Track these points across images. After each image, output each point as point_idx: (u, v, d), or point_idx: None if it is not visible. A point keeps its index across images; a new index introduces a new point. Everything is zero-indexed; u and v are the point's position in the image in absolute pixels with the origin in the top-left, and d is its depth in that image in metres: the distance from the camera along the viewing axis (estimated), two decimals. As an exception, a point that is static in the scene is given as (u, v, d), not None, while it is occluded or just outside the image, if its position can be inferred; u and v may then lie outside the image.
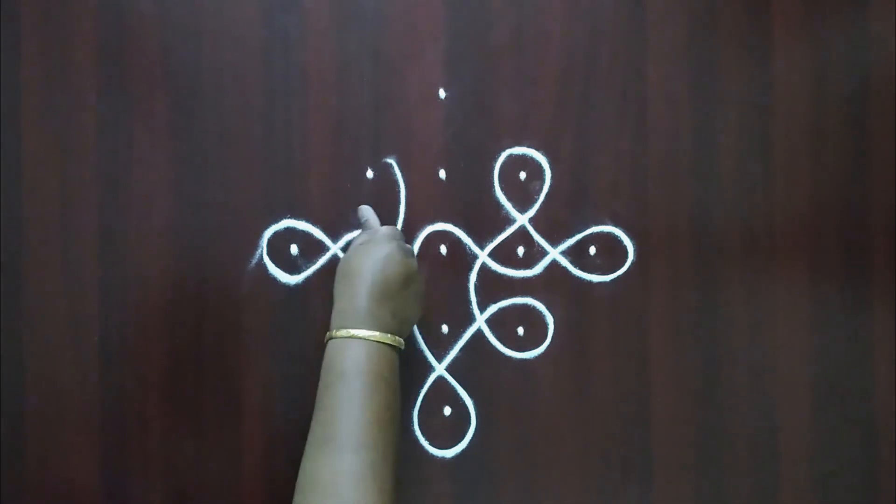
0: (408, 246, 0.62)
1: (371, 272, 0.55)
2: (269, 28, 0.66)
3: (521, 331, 0.67)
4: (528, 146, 0.68)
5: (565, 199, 0.67)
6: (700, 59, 0.68)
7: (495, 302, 0.67)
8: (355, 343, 0.52)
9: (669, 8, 0.68)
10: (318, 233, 0.66)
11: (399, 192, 0.67)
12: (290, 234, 0.66)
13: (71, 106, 0.65)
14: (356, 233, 0.66)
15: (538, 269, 0.68)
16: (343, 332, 0.53)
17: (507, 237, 0.68)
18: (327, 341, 0.54)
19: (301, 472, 0.50)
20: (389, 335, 0.54)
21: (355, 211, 0.66)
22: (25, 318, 0.65)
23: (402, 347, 0.55)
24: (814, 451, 0.68)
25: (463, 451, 0.67)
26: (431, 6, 0.67)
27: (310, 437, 0.51)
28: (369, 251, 0.57)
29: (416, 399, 0.67)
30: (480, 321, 0.67)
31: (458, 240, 0.67)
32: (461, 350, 0.67)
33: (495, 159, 0.67)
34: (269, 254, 0.66)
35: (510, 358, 0.67)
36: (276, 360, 0.66)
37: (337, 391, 0.51)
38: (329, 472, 0.48)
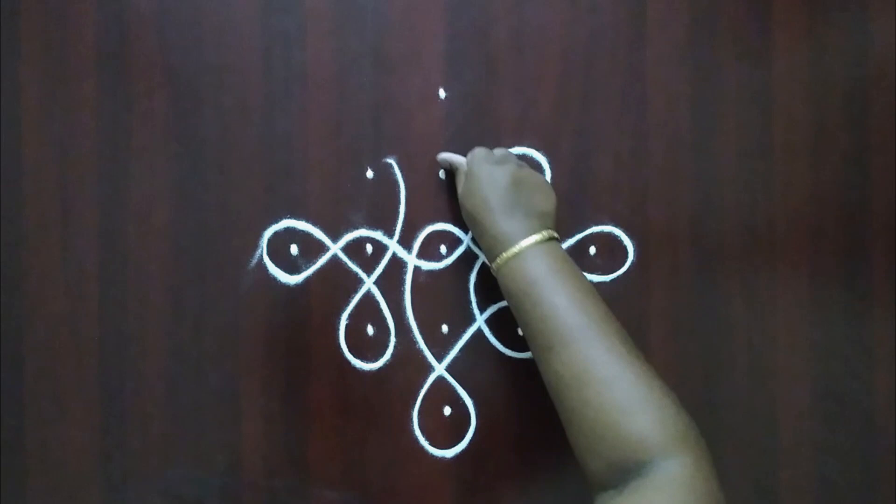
0: (499, 154, 0.61)
1: (484, 202, 0.57)
2: (269, 28, 0.66)
3: (520, 331, 0.67)
4: (528, 146, 0.68)
5: (565, 199, 0.67)
6: (700, 59, 0.68)
7: (495, 302, 0.67)
8: (525, 252, 0.54)
9: (669, 8, 0.68)
10: (318, 233, 0.66)
11: (399, 192, 0.67)
12: (290, 234, 0.66)
13: (71, 106, 0.65)
14: (356, 232, 0.66)
15: (538, 269, 0.67)
16: (509, 253, 0.55)
17: (507, 237, 0.67)
18: (497, 270, 0.56)
19: (569, 371, 0.50)
20: (545, 232, 0.56)
21: (355, 211, 0.66)
22: (25, 318, 0.65)
23: (558, 237, 0.58)
24: (814, 450, 0.68)
25: (463, 451, 0.67)
26: (431, 6, 0.67)
27: (540, 342, 0.52)
28: (472, 189, 0.59)
29: (416, 399, 0.67)
30: (480, 321, 0.67)
31: (459, 240, 0.67)
32: (461, 350, 0.67)
33: (495, 159, 0.67)
34: (269, 254, 0.66)
35: (510, 358, 0.67)
36: (275, 360, 0.66)
37: (545, 295, 0.53)
38: (602, 362, 0.50)
